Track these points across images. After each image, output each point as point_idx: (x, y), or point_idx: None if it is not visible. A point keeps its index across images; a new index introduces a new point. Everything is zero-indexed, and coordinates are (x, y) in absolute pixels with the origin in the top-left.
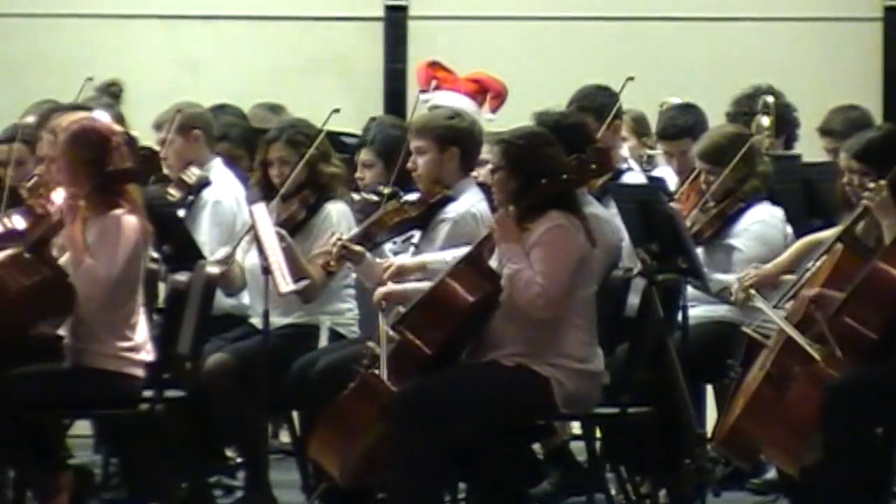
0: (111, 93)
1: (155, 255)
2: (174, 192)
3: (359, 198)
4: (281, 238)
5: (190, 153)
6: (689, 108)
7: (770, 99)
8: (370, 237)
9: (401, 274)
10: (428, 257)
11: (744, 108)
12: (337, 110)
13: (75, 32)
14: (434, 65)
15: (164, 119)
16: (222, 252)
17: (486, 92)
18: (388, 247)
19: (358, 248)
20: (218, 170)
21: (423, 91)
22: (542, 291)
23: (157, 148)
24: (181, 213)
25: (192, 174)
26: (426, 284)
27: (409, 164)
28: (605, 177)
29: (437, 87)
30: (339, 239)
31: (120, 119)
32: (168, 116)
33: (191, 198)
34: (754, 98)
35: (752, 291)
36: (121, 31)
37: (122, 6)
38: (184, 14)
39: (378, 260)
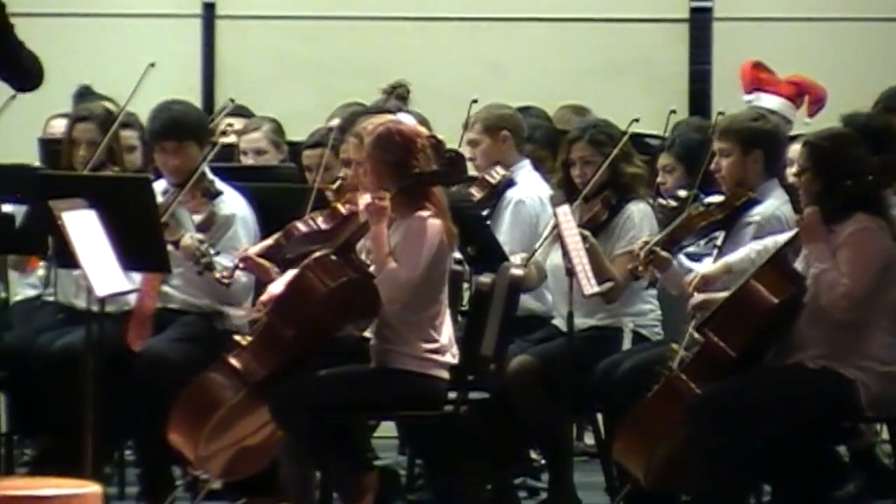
0: (398, 95)
1: (459, 256)
2: (475, 192)
3: (660, 203)
4: (584, 239)
5: (497, 153)
6: None
7: None
8: (676, 241)
9: (706, 283)
10: (730, 258)
11: None
12: (636, 120)
13: (378, 35)
14: (758, 66)
15: (473, 119)
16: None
17: (805, 95)
18: (690, 249)
19: (665, 254)
20: (525, 171)
21: (747, 92)
22: (846, 292)
23: (465, 148)
24: (485, 213)
25: (497, 174)
26: None
27: (713, 166)
28: None
29: (758, 89)
30: (646, 243)
31: (421, 121)
32: (478, 116)
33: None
34: None
35: None
36: (424, 34)
37: (425, 9)
38: (487, 16)
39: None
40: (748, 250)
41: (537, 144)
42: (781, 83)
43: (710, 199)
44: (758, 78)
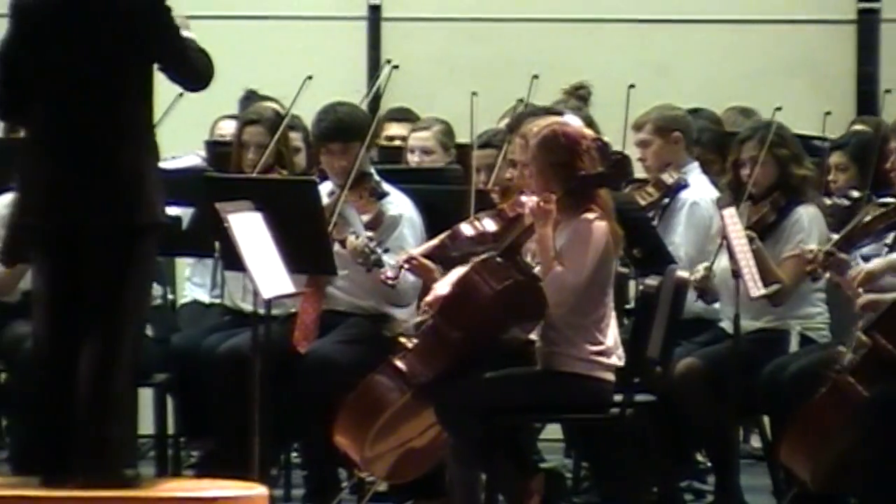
0: (579, 95)
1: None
2: (652, 192)
3: (831, 202)
4: (751, 241)
5: (668, 155)
6: None
7: None
8: (853, 242)
9: (871, 279)
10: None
11: None
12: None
13: (545, 37)
14: None
15: (644, 120)
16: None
17: None
18: (864, 249)
19: (844, 256)
20: (696, 173)
21: None
22: None
23: (631, 150)
24: (655, 214)
25: (672, 175)
26: None
27: (888, 164)
28: None
29: None
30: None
31: (589, 122)
32: (649, 117)
33: (667, 199)
34: None
35: None
36: (591, 35)
37: (592, 10)
38: (655, 18)
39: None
40: None
41: (705, 147)
42: None
43: (885, 199)
44: None
